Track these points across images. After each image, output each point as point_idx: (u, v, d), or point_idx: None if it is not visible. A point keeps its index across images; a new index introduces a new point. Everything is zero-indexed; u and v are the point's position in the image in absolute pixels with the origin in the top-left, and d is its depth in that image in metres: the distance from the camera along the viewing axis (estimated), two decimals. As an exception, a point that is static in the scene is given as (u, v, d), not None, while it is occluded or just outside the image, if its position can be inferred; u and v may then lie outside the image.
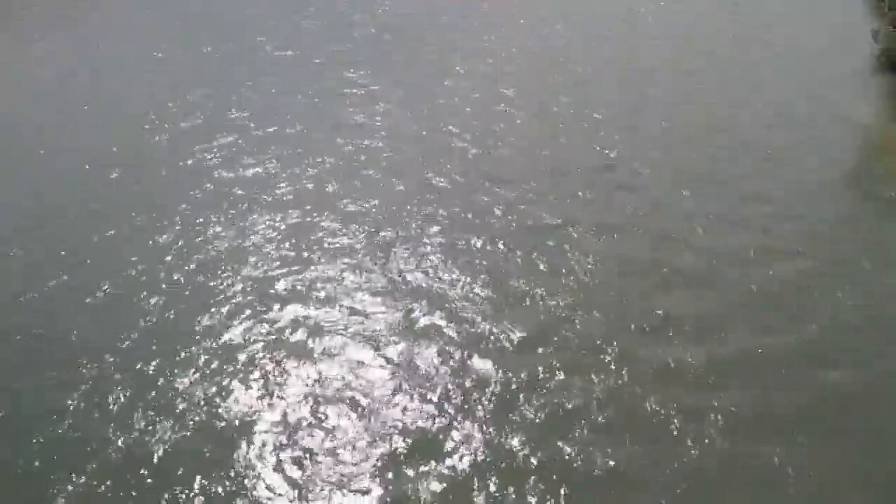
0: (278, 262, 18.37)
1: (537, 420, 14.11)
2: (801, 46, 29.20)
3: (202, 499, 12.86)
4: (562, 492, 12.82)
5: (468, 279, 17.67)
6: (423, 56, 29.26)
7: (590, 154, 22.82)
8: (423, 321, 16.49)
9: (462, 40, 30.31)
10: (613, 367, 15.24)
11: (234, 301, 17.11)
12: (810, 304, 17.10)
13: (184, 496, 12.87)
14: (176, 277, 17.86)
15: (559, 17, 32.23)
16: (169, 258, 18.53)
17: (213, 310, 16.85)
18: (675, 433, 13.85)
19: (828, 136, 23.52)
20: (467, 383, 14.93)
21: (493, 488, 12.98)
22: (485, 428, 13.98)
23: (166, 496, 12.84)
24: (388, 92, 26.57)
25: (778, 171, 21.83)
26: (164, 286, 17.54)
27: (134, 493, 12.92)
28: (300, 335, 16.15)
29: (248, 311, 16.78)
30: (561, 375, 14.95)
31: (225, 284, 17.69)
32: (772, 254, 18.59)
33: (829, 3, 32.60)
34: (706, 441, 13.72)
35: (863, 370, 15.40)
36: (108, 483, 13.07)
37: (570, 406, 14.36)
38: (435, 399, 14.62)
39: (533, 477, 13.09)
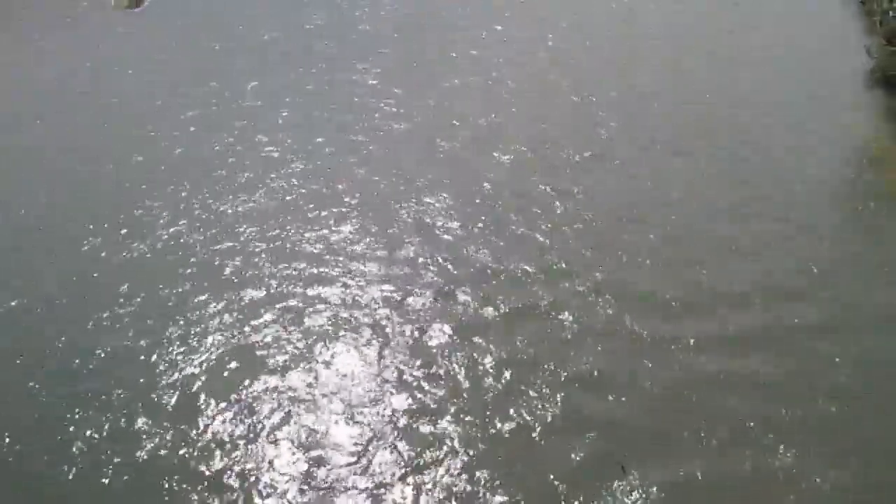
0: (300, 221, 20.39)
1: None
2: (793, 63, 28.93)
3: (236, 408, 15.46)
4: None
5: (471, 227, 20.15)
6: (426, 55, 29.33)
7: (586, 149, 23.36)
8: (434, 267, 18.83)
9: (462, 39, 30.35)
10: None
11: (255, 255, 19.22)
12: (809, 309, 17.36)
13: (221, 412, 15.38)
14: (199, 238, 19.75)
15: (559, 17, 32.20)
16: (189, 222, 20.41)
17: (236, 261, 19.05)
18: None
19: (823, 147, 23.50)
20: (465, 310, 17.65)
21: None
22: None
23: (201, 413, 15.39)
24: (392, 82, 27.14)
25: (776, 176, 22.07)
26: (192, 248, 19.50)
27: (169, 412, 15.39)
28: (319, 280, 18.38)
29: (269, 263, 19.05)
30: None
31: (245, 242, 19.63)
32: (771, 260, 18.85)
33: (822, 18, 32.34)
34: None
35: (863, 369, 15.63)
36: (141, 404, 15.43)
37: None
38: (442, 329, 17.11)
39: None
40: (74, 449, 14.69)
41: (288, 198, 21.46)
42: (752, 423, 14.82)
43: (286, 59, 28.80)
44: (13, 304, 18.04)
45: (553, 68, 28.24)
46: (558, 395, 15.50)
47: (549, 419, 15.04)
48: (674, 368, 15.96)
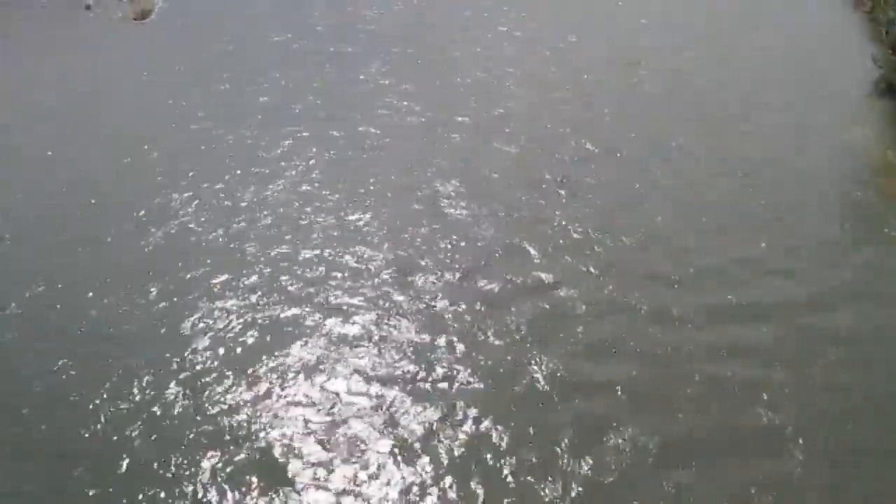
0: (315, 208, 21.05)
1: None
2: (794, 64, 28.73)
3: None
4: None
5: (477, 205, 21.16)
6: (430, 54, 29.51)
7: (587, 147, 23.62)
8: (446, 249, 19.57)
9: (462, 39, 30.47)
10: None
11: (272, 239, 19.93)
12: (809, 311, 17.38)
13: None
14: (219, 224, 20.44)
15: (560, 17, 32.24)
16: (208, 210, 21.01)
17: (254, 244, 19.76)
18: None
19: (825, 149, 23.52)
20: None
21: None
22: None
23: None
24: (398, 80, 27.51)
25: (778, 177, 22.08)
26: (212, 232, 20.16)
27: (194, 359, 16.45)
28: (334, 261, 19.21)
29: (286, 245, 19.69)
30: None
31: (264, 228, 20.34)
32: (771, 262, 18.90)
33: (822, 19, 32.25)
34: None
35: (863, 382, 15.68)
36: (166, 380, 15.97)
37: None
38: (453, 304, 17.83)
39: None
40: (100, 415, 15.21)
41: (303, 186, 21.93)
42: (752, 428, 14.83)
43: (293, 59, 28.89)
44: (38, 290, 18.31)
45: (554, 68, 28.29)
46: (562, 364, 16.16)
47: (556, 386, 15.69)
48: (673, 374, 15.93)
